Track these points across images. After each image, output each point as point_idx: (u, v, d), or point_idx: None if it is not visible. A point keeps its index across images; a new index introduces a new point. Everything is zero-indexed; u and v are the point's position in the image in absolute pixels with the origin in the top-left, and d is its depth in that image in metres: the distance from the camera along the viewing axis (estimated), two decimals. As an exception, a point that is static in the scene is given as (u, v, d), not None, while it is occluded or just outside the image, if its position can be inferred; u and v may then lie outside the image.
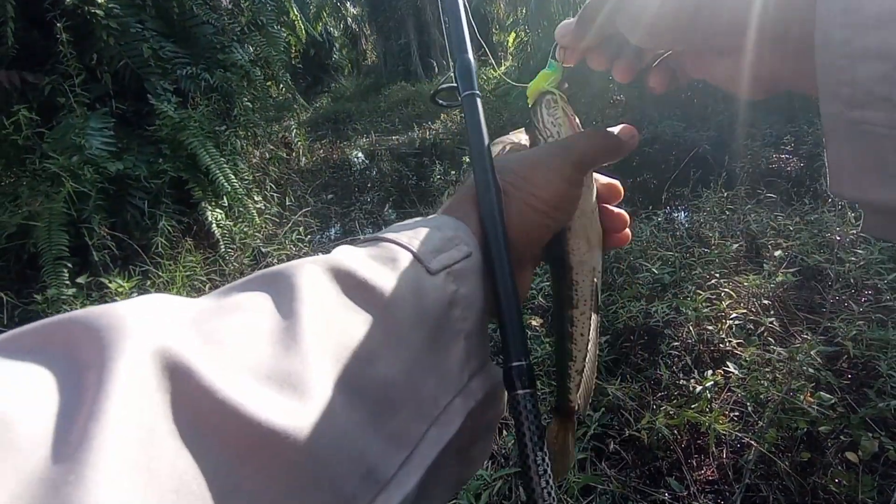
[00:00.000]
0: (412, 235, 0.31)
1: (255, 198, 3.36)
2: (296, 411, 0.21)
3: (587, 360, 0.39)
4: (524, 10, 7.76)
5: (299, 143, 4.63)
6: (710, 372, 1.68)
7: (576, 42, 0.37)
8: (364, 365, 0.25)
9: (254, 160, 3.97)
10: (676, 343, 1.91)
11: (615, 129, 0.40)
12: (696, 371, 1.75)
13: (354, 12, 14.11)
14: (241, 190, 3.06)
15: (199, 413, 0.19)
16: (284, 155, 4.46)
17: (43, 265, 2.41)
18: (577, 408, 0.40)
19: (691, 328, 1.91)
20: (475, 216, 0.35)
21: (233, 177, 3.01)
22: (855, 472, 1.34)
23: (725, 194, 3.09)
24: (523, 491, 0.31)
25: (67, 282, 2.32)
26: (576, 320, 0.39)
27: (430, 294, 0.29)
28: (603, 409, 1.59)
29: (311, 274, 0.26)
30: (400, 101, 9.33)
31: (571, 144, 0.38)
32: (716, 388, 1.63)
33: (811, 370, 1.55)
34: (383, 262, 0.29)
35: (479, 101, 0.39)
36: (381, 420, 0.25)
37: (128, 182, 2.87)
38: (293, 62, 5.31)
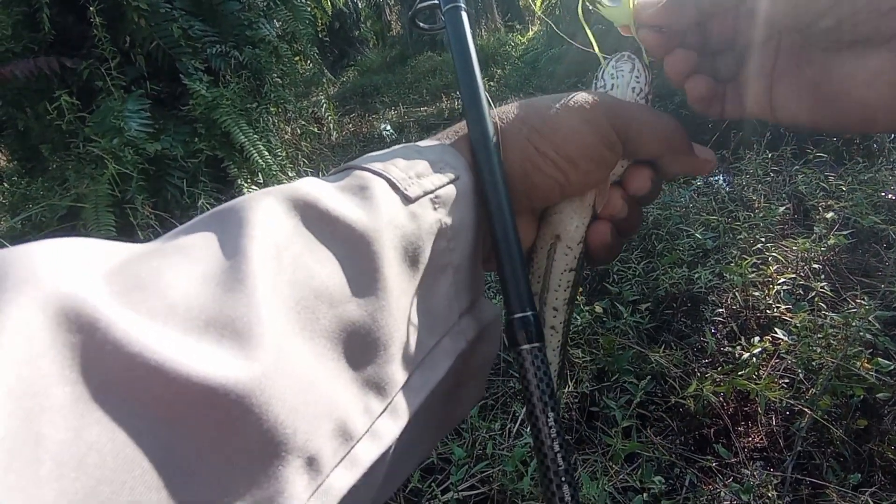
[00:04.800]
0: (388, 161, 0.27)
1: (289, 173, 3.39)
2: (239, 363, 0.18)
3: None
4: (553, -30, 7.48)
5: (329, 117, 4.63)
6: (757, 339, 1.63)
7: (670, 19, 0.31)
8: (329, 306, 0.21)
9: (286, 136, 4.00)
10: (721, 310, 1.86)
11: (697, 146, 0.34)
12: (742, 338, 1.70)
13: (377, -19, 13.87)
14: (275, 166, 3.09)
15: (110, 373, 0.16)
16: (315, 130, 4.47)
17: (92, 245, 2.50)
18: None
19: (737, 294, 1.85)
20: (469, 141, 0.31)
21: (266, 153, 3.04)
22: (915, 440, 1.30)
23: (770, 155, 2.95)
24: (535, 453, 0.28)
25: (116, 261, 2.41)
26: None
27: (406, 224, 0.25)
28: (647, 377, 1.57)
29: (265, 206, 0.22)
30: (427, 71, 9.18)
31: (625, 105, 0.32)
32: (764, 355, 1.59)
33: (868, 336, 1.49)
34: (352, 191, 0.25)
35: (464, 14, 0.34)
36: (353, 368, 0.22)
37: (166, 162, 2.94)
38: (320, 36, 5.26)
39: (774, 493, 1.25)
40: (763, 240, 2.16)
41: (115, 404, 0.16)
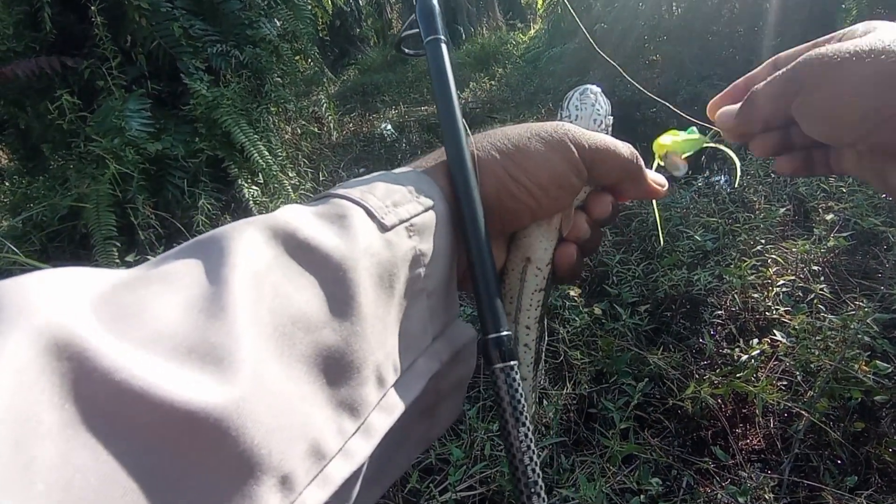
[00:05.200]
0: (365, 190, 0.29)
1: (290, 173, 3.39)
2: (219, 388, 0.19)
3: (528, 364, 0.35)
4: (554, -31, 7.47)
5: (330, 117, 4.63)
6: (755, 341, 1.63)
7: (740, 129, 0.36)
8: (305, 332, 0.22)
9: (286, 136, 4.00)
10: (720, 311, 1.87)
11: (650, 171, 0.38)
12: (741, 340, 1.71)
13: (378, -20, 13.85)
14: (275, 166, 3.09)
15: (97, 400, 0.17)
16: (316, 130, 4.47)
17: (94, 245, 2.50)
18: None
19: (736, 296, 1.86)
20: (444, 168, 0.32)
21: (267, 153, 3.04)
22: (912, 443, 1.30)
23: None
24: (508, 467, 0.30)
25: (117, 260, 2.41)
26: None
27: (382, 251, 0.26)
28: (646, 378, 1.57)
29: (245, 236, 0.23)
30: (427, 70, 9.19)
31: (590, 135, 0.35)
32: (762, 357, 1.59)
33: (866, 338, 1.49)
34: (330, 219, 0.26)
35: (443, 46, 0.36)
36: (327, 390, 0.23)
37: (167, 162, 2.94)
38: (320, 35, 5.26)
39: (771, 495, 1.25)
40: (763, 241, 2.16)
41: (101, 429, 0.17)
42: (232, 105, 3.07)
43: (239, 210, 3.17)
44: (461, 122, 0.33)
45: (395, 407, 0.26)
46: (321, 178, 3.88)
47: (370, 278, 0.25)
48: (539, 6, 9.39)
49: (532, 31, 10.00)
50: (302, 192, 3.32)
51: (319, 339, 0.23)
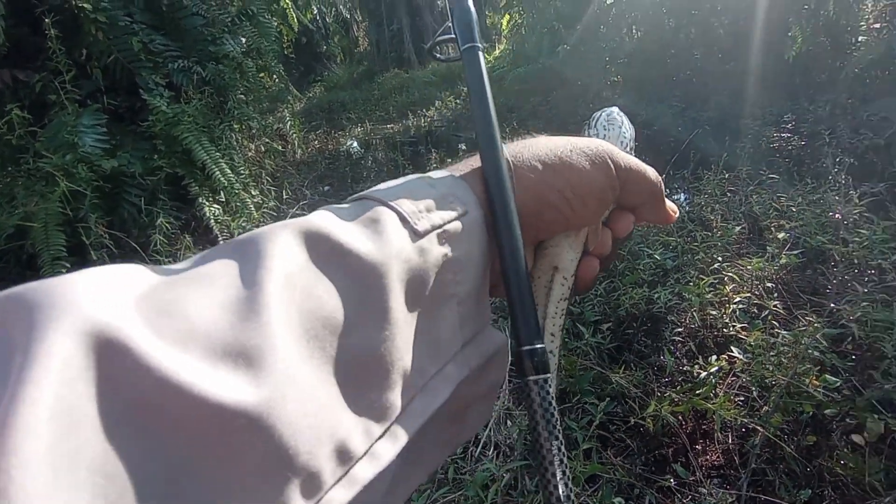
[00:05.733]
0: (400, 194, 0.29)
1: (252, 192, 3.33)
2: (251, 388, 0.19)
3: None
4: (519, -8, 7.66)
5: (294, 134, 4.59)
6: (714, 357, 1.67)
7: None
8: (336, 335, 0.23)
9: (249, 154, 3.93)
10: (680, 329, 1.91)
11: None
12: (700, 357, 1.75)
13: (346, -2, 13.93)
14: (237, 184, 3.03)
15: (137, 395, 0.18)
16: (280, 147, 4.42)
17: (41, 266, 2.39)
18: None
19: (695, 314, 1.90)
20: (480, 174, 0.32)
21: (229, 171, 2.98)
22: (861, 455, 1.34)
23: (727, 175, 3.05)
24: (539, 481, 0.29)
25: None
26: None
27: (414, 258, 0.26)
28: (608, 398, 1.59)
29: (281, 239, 0.24)
30: (394, 88, 9.24)
31: (625, 154, 0.36)
32: (720, 374, 1.63)
33: (816, 353, 1.55)
34: (364, 223, 0.27)
35: (481, 54, 0.36)
36: (356, 393, 0.24)
37: (123, 179, 2.85)
38: (285, 52, 5.23)
39: (730, 511, 1.27)
40: (720, 259, 2.22)
41: (139, 423, 0.18)
42: (193, 122, 3.00)
43: (199, 229, 3.08)
44: (497, 129, 0.33)
45: (422, 413, 0.26)
46: (284, 197, 3.82)
47: (401, 284, 0.26)
48: (504, 27, 9.60)
49: (497, 52, 10.20)
50: (265, 210, 3.26)
51: (349, 342, 0.23)
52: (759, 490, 1.37)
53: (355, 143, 7.34)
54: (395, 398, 0.25)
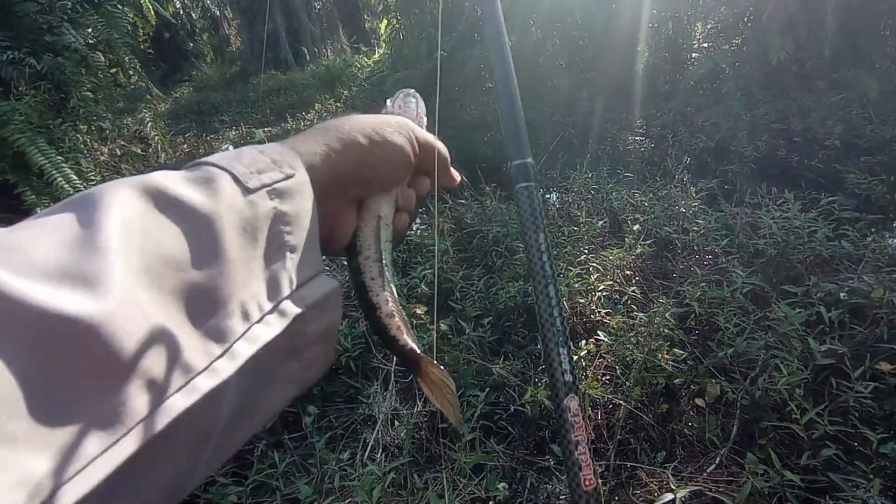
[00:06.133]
0: (233, 158, 0.32)
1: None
2: (90, 301, 0.21)
3: (389, 301, 0.41)
4: (395, -3, 7.71)
5: (157, 136, 4.20)
6: (583, 342, 1.81)
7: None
8: (174, 270, 0.26)
9: (102, 157, 3.53)
10: (553, 317, 2.03)
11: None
12: (571, 342, 1.88)
13: (214, -6, 13.02)
14: (86, 192, 2.70)
15: None
16: (140, 151, 4.02)
17: None
18: (418, 350, 0.41)
19: (565, 302, 2.04)
20: (311, 140, 0.38)
21: (75, 177, 2.65)
22: (703, 415, 1.53)
23: (590, 175, 3.33)
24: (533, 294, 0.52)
25: None
26: (363, 267, 0.41)
27: (245, 209, 0.30)
28: (488, 388, 1.65)
29: (118, 192, 0.26)
30: (270, 90, 8.82)
31: (420, 129, 0.46)
32: (589, 357, 1.76)
33: (667, 330, 1.74)
34: (199, 181, 0.29)
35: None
36: (196, 319, 0.26)
37: (-65, 189, 2.41)
38: (143, 47, 4.78)
39: (600, 480, 1.37)
40: (586, 251, 2.41)
41: None
42: (27, 121, 2.62)
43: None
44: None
45: (258, 338, 0.29)
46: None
47: (234, 230, 0.29)
48: (382, 32, 9.61)
49: (377, 55, 10.18)
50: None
51: (187, 277, 0.26)
52: (624, 458, 1.51)
53: (231, 147, 6.88)
54: (233, 325, 0.28)
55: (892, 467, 1.36)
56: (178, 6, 11.50)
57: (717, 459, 1.42)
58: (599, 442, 1.59)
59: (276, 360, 0.31)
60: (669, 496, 1.20)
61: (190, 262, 0.26)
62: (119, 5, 3.57)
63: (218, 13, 13.30)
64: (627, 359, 1.70)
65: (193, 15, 13.66)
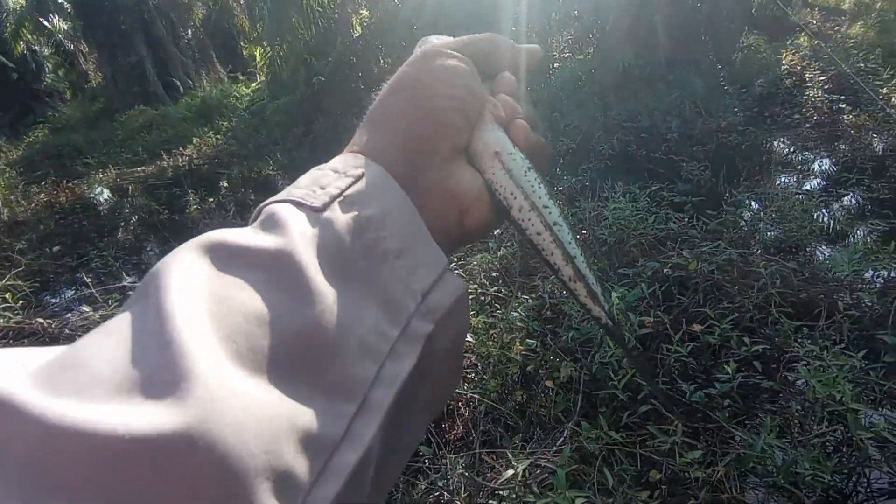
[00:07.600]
0: (290, 188, 0.28)
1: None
2: (171, 410, 0.18)
3: (569, 257, 0.33)
4: (263, 24, 7.62)
5: (-1, 190, 3.84)
6: (451, 345, 1.94)
7: None
8: (264, 327, 0.22)
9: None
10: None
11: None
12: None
13: (65, 27, 12.00)
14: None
15: (26, 450, 0.16)
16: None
17: None
18: (604, 317, 0.33)
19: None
20: (359, 133, 0.33)
21: None
22: (552, 396, 1.71)
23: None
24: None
25: None
26: (522, 223, 0.33)
27: (321, 231, 0.26)
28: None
29: (178, 259, 0.23)
30: (141, 126, 8.32)
31: (449, 38, 0.38)
32: (456, 358, 1.89)
33: (520, 323, 1.91)
34: (259, 225, 0.26)
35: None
36: (309, 378, 0.22)
37: None
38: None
39: (467, 472, 1.49)
40: (455, 259, 2.57)
41: (32, 481, 0.16)
42: None
43: None
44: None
45: (395, 378, 0.24)
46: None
47: (315, 259, 0.25)
48: (259, 59, 9.42)
49: (256, 84, 9.96)
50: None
51: (282, 329, 0.22)
52: (489, 447, 1.64)
53: (105, 191, 6.38)
54: (359, 370, 0.23)
55: (700, 412, 1.61)
56: (22, 46, 10.50)
57: (565, 433, 1.59)
58: (469, 436, 1.72)
59: (414, 391, 0.26)
60: (511, 472, 1.34)
61: (279, 311, 0.22)
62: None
63: (72, 47, 12.30)
64: (485, 354, 1.85)
65: (47, 51, 12.54)
